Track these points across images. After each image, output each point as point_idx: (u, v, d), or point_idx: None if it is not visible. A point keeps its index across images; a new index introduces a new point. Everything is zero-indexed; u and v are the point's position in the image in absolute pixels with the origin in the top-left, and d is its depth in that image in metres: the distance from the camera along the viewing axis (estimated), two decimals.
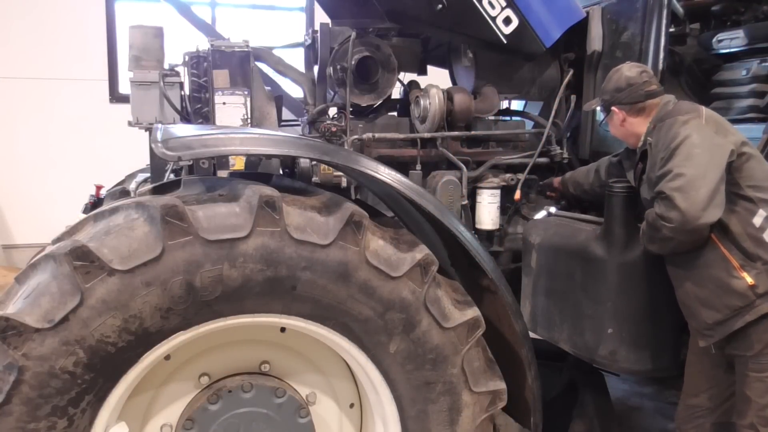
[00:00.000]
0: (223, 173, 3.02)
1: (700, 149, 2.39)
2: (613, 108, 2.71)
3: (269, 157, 3.14)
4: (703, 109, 2.57)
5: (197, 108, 3.23)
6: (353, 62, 3.22)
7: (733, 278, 2.42)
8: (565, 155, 3.41)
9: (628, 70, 2.69)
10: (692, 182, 2.34)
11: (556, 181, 3.38)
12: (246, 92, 3.15)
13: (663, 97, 2.68)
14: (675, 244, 2.45)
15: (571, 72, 3.39)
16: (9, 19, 6.94)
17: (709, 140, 2.42)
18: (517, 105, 3.94)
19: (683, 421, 2.80)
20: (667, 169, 2.41)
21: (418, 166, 3.26)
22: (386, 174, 2.37)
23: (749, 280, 2.40)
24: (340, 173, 3.07)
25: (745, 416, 2.51)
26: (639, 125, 2.68)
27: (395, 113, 3.67)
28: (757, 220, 2.44)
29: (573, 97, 3.42)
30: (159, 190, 2.43)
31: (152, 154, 3.21)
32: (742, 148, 2.47)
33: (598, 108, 2.96)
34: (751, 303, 2.41)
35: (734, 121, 2.70)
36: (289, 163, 3.26)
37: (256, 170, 3.19)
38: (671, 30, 3.16)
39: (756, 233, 2.43)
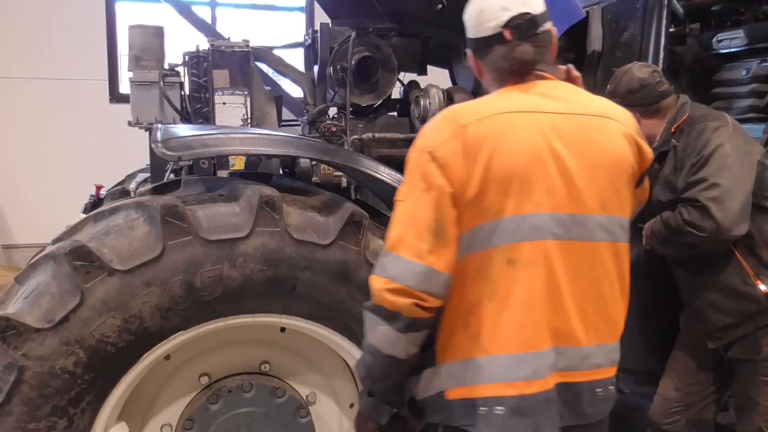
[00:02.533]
0: (223, 173, 3.02)
1: (731, 159, 2.36)
2: None
3: (269, 157, 3.13)
4: (727, 115, 2.52)
5: (197, 108, 3.23)
6: (353, 62, 3.22)
7: (748, 286, 2.39)
8: None
9: (639, 70, 2.62)
10: (728, 193, 2.30)
11: None
12: (246, 92, 3.14)
13: (679, 98, 2.64)
14: (696, 252, 2.42)
15: None
16: (9, 19, 6.93)
17: (738, 149, 2.39)
18: None
19: (659, 415, 2.77)
20: (701, 177, 2.36)
21: None
22: (386, 174, 2.37)
23: (763, 288, 2.37)
24: (340, 173, 3.07)
25: (751, 421, 2.48)
26: (654, 127, 2.62)
27: (395, 113, 3.67)
28: None
29: None
30: (159, 190, 2.44)
31: (152, 154, 3.21)
32: (764, 159, 2.45)
33: None
34: (764, 309, 2.39)
35: None
36: (289, 163, 3.26)
37: (256, 170, 3.19)
38: (671, 30, 3.15)
39: None
